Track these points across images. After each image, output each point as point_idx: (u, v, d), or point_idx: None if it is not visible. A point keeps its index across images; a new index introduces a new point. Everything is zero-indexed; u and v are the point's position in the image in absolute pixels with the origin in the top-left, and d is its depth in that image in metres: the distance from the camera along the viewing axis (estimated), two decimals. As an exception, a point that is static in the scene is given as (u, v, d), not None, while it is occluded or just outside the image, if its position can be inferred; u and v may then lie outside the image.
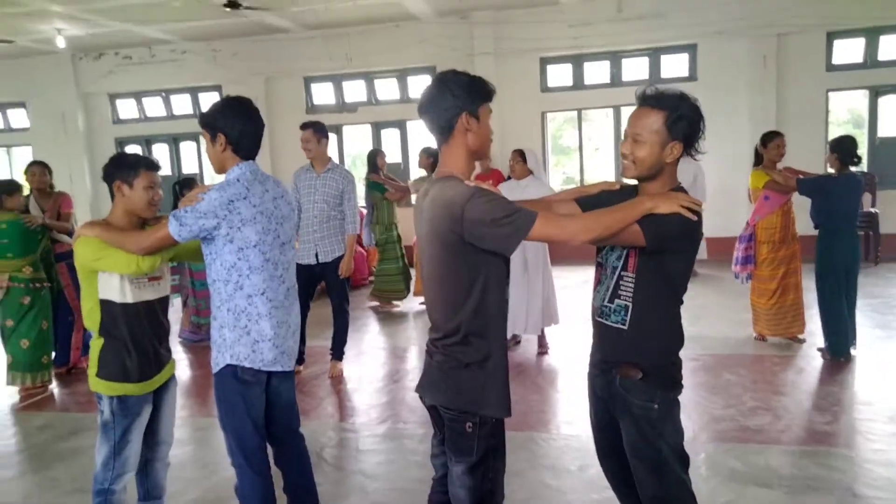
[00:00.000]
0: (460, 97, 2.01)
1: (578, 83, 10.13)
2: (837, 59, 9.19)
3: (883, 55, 9.06)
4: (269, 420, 2.63)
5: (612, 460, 2.37)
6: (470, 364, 2.04)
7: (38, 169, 5.49)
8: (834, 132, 9.37)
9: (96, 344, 2.63)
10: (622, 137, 2.16)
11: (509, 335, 5.75)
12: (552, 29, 9.62)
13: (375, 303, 7.71)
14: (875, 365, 4.94)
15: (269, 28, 10.24)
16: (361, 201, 7.38)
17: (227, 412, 2.50)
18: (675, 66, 9.76)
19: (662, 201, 1.98)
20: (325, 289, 5.35)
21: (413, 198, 7.52)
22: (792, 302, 5.39)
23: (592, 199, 2.25)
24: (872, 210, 8.53)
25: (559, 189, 10.63)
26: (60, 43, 10.07)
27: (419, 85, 10.64)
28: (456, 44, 9.94)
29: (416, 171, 8.33)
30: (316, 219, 5.00)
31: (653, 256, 2.06)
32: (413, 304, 7.63)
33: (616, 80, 9.96)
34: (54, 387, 5.31)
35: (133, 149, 12.14)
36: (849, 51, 9.19)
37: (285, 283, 2.55)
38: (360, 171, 8.46)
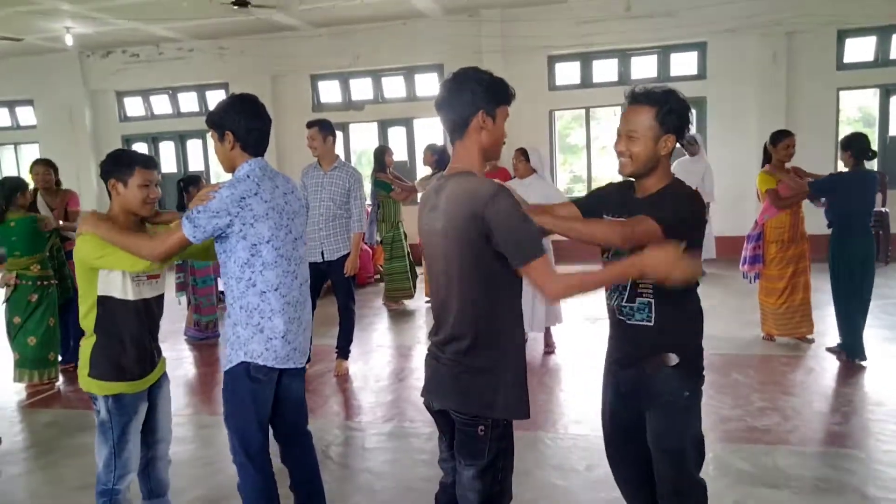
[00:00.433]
0: (479, 95, 2.01)
1: (586, 81, 10.09)
2: (849, 58, 9.12)
3: None
4: (277, 418, 2.61)
5: (624, 459, 2.38)
6: (483, 366, 2.01)
7: (42, 168, 5.50)
8: (844, 131, 9.31)
9: (88, 342, 2.60)
10: (617, 134, 2.21)
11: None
12: (560, 27, 9.58)
13: (392, 305, 7.62)
14: (885, 366, 4.89)
15: (276, 26, 10.25)
16: (368, 199, 7.36)
17: (234, 410, 2.49)
18: (684, 65, 9.71)
19: (666, 268, 1.90)
20: (331, 287, 5.34)
21: (419, 196, 7.50)
22: (801, 302, 5.35)
23: (591, 200, 2.34)
24: (883, 209, 8.46)
25: (564, 188, 10.62)
26: (69, 41, 10.11)
27: (426, 83, 10.62)
28: (464, 42, 9.92)
29: (423, 169, 8.31)
30: (322, 217, 4.98)
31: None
32: (419, 302, 7.61)
33: (624, 79, 9.91)
34: (61, 384, 5.33)
35: (140, 146, 12.19)
36: (860, 49, 9.12)
37: (298, 278, 2.53)
38: (366, 170, 8.44)
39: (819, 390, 4.53)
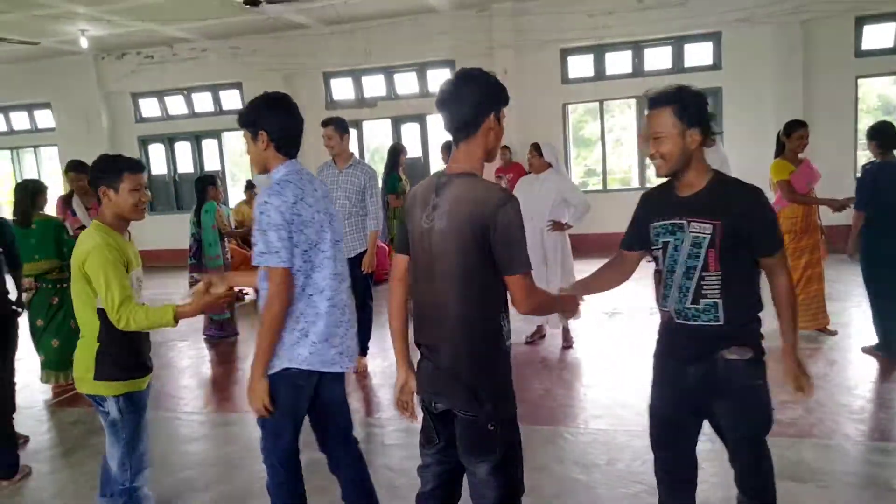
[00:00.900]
0: (492, 97, 2.04)
1: (600, 74, 10.02)
2: (867, 45, 8.98)
3: (914, 39, 8.84)
4: (321, 424, 2.58)
5: (678, 453, 2.42)
6: (485, 361, 2.03)
7: (73, 174, 5.52)
8: (864, 120, 9.17)
9: (90, 348, 2.60)
10: (644, 139, 2.30)
11: (534, 328, 5.75)
12: (572, 19, 9.52)
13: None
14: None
15: (288, 24, 10.28)
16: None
17: (271, 414, 2.42)
18: (698, 55, 9.62)
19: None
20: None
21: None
22: (815, 293, 5.28)
23: (633, 230, 2.45)
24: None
25: (578, 182, 10.57)
26: (83, 43, 10.21)
27: (439, 79, 10.61)
28: (475, 37, 9.90)
29: (437, 166, 8.31)
30: (338, 215, 5.00)
31: (737, 252, 2.14)
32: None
33: (638, 71, 9.84)
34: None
35: (156, 147, 12.31)
36: (879, 36, 8.97)
37: (344, 281, 2.49)
38: (379, 167, 8.45)
39: (842, 383, 4.47)
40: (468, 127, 2.04)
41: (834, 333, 5.38)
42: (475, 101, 2.02)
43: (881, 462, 3.38)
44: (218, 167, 12.02)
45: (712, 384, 2.23)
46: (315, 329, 2.37)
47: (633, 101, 10.21)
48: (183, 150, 12.30)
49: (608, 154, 10.58)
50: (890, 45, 8.94)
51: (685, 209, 2.20)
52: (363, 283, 5.16)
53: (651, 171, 10.51)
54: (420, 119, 10.78)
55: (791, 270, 2.24)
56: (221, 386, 5.40)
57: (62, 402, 5.08)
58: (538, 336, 5.78)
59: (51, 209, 5.40)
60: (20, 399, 4.24)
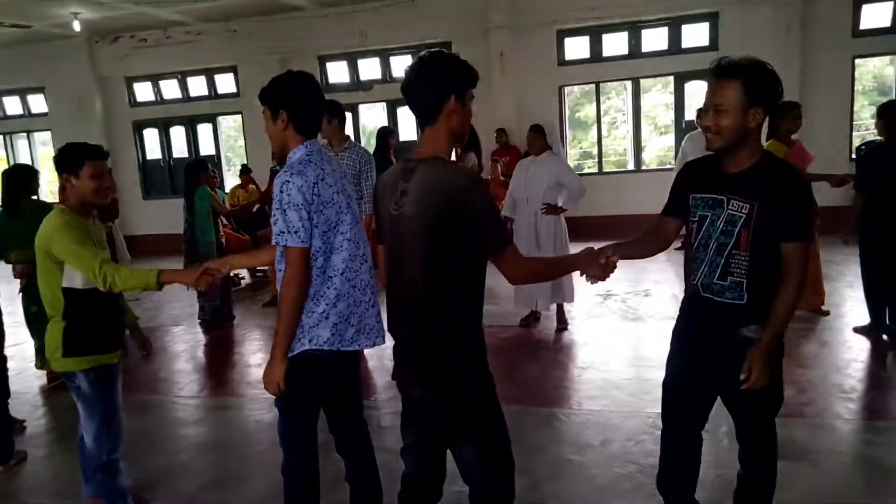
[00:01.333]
0: (451, 80, 2.00)
1: (596, 55, 9.95)
2: (865, 24, 8.92)
3: (912, 19, 8.78)
4: (334, 405, 2.56)
5: (687, 427, 2.46)
6: (458, 346, 2.02)
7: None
8: (860, 100, 9.14)
9: (57, 327, 2.67)
10: (702, 109, 2.29)
11: (526, 312, 5.76)
12: (569, 0, 9.43)
13: None
14: (902, 337, 4.85)
15: (283, 7, 10.19)
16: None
17: (290, 395, 2.39)
18: (695, 36, 9.55)
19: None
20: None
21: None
22: (810, 273, 5.27)
23: (673, 199, 2.41)
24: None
25: (574, 165, 10.54)
26: (76, 27, 10.11)
27: (434, 61, 10.53)
28: (471, 18, 9.81)
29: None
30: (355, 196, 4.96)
31: (769, 235, 2.12)
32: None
33: (635, 52, 9.78)
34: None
35: (150, 131, 12.24)
36: (876, 15, 8.91)
37: (367, 261, 2.45)
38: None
39: (834, 363, 4.50)
40: (429, 111, 2.03)
41: (826, 314, 5.40)
42: (434, 85, 2.00)
43: (871, 440, 3.42)
44: (213, 151, 11.97)
45: (729, 360, 2.23)
46: (335, 311, 2.34)
47: (629, 83, 10.16)
48: (178, 134, 12.23)
49: (604, 136, 10.54)
50: (887, 24, 8.89)
51: (728, 186, 2.17)
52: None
53: (647, 154, 10.50)
54: (416, 102, 10.68)
55: (805, 274, 2.16)
56: (217, 370, 5.42)
57: (57, 387, 5.08)
58: (532, 319, 5.79)
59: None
60: (15, 385, 4.25)
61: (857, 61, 9.11)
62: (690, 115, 9.33)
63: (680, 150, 8.33)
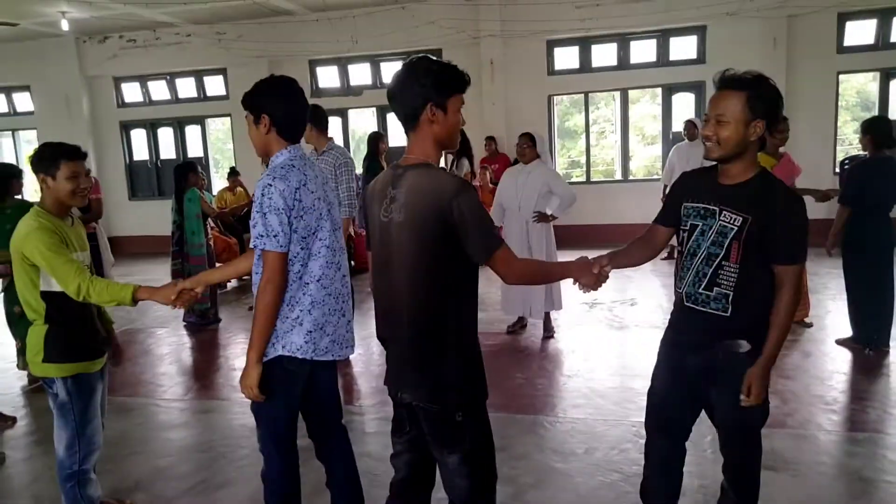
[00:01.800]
0: (427, 87, 1.98)
1: (585, 66, 10.03)
2: (849, 41, 9.07)
3: (896, 37, 8.94)
4: (310, 412, 2.56)
5: (671, 437, 2.45)
6: (447, 353, 2.02)
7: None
8: (843, 115, 9.28)
9: (38, 331, 2.62)
10: (703, 117, 2.26)
11: (514, 319, 5.78)
12: (559, 10, 9.51)
13: None
14: (884, 351, 4.90)
15: (274, 10, 10.17)
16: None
17: (265, 401, 2.38)
18: (683, 49, 9.67)
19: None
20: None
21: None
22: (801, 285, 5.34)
23: (668, 207, 2.41)
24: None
25: (562, 174, 10.60)
26: (64, 26, 10.04)
27: (425, 68, 10.56)
28: (462, 26, 9.85)
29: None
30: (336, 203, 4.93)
31: (759, 251, 2.12)
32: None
33: (623, 63, 9.87)
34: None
35: (138, 132, 12.15)
36: (860, 32, 9.07)
37: (341, 269, 2.46)
38: (363, 156, 8.41)
39: (816, 374, 4.55)
40: (408, 119, 2.04)
41: (810, 325, 5.46)
42: (410, 93, 2.00)
43: (853, 451, 3.45)
44: (201, 154, 11.90)
45: (712, 373, 2.25)
46: (310, 318, 2.34)
47: (617, 94, 10.25)
48: (165, 135, 12.16)
49: (592, 146, 10.61)
50: (871, 41, 9.04)
51: (722, 197, 2.18)
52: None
53: (634, 164, 10.59)
54: (406, 108, 10.70)
55: (799, 293, 2.18)
56: (202, 373, 5.38)
57: (39, 388, 5.02)
58: (519, 326, 5.81)
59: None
60: (-4, 385, 4.20)
61: (841, 77, 9.26)
62: (678, 126, 9.43)
63: (667, 161, 8.41)
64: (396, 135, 10.35)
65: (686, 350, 2.31)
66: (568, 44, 10.01)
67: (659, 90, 10.11)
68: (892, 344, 4.84)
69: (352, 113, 11.28)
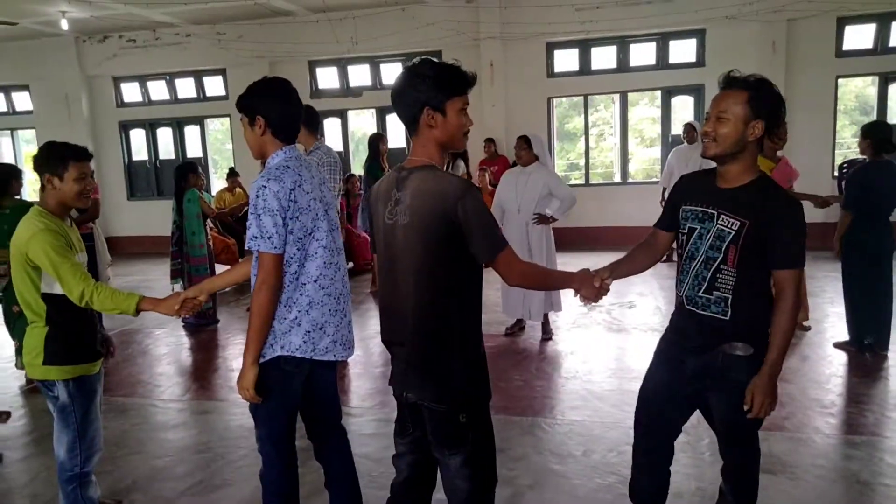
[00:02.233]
0: (423, 92, 1.99)
1: (585, 68, 10.05)
2: (848, 45, 9.09)
3: (895, 41, 8.95)
4: (309, 412, 2.56)
5: (660, 437, 2.45)
6: (452, 354, 2.03)
7: None
8: (841, 119, 9.30)
9: (38, 332, 2.58)
10: (704, 118, 2.29)
11: (512, 320, 5.78)
12: (559, 13, 9.53)
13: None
14: (884, 355, 4.91)
15: (274, 11, 10.18)
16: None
17: (262, 401, 2.38)
18: (683, 52, 9.68)
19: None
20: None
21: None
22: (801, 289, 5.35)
23: (667, 211, 2.43)
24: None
25: (561, 176, 10.63)
26: (64, 25, 10.04)
27: (424, 69, 10.56)
28: (462, 28, 9.87)
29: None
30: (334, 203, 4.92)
31: (757, 255, 2.13)
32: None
33: (623, 66, 9.89)
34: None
35: (137, 132, 12.15)
36: (859, 37, 9.09)
37: (340, 270, 2.45)
38: (362, 157, 8.43)
39: (815, 377, 4.56)
40: (409, 123, 2.05)
41: (808, 329, 5.47)
42: (409, 98, 2.01)
43: (850, 455, 3.46)
44: (200, 154, 11.90)
45: (709, 376, 2.25)
46: (308, 318, 2.34)
47: (616, 96, 10.26)
48: (164, 136, 12.16)
49: (591, 148, 10.63)
50: (869, 45, 9.06)
51: (719, 200, 2.18)
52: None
53: (633, 167, 10.60)
54: (405, 110, 10.70)
55: (799, 298, 2.17)
56: (200, 374, 5.37)
57: (36, 388, 5.01)
58: (518, 328, 5.81)
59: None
60: (-6, 384, 4.19)
61: (839, 81, 9.28)
62: (677, 129, 9.45)
63: (666, 164, 8.43)
64: (396, 136, 10.36)
65: (685, 352, 2.31)
66: (568, 46, 10.02)
67: (658, 93, 10.13)
68: (891, 348, 4.85)
69: (351, 114, 11.28)
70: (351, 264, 8.48)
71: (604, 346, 5.48)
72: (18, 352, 5.09)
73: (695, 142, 7.95)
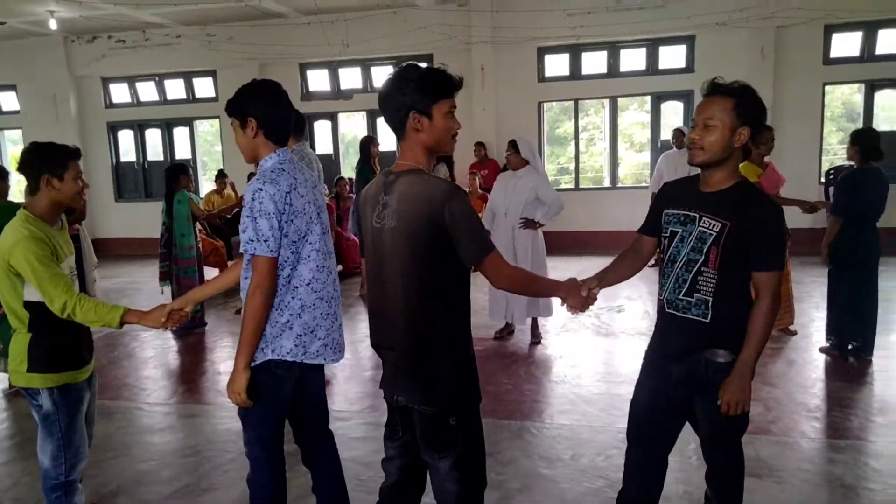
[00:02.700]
0: (409, 96, 2.00)
1: (575, 73, 10.09)
2: (835, 53, 9.18)
3: (881, 49, 9.06)
4: (298, 416, 2.54)
5: (651, 449, 2.45)
6: (441, 357, 2.03)
7: None
8: (828, 126, 9.38)
9: (21, 339, 2.54)
10: (687, 125, 2.27)
11: (501, 324, 5.78)
12: (551, 18, 9.57)
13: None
14: (866, 359, 4.95)
15: (265, 13, 10.15)
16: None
17: (253, 406, 2.36)
18: (672, 58, 9.74)
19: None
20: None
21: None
22: (782, 294, 5.39)
23: (651, 217, 2.44)
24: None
25: (551, 180, 10.66)
26: (52, 25, 9.96)
27: (415, 73, 10.57)
28: (454, 32, 9.88)
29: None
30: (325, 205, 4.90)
31: (738, 257, 2.15)
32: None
33: (613, 71, 9.94)
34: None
35: (126, 133, 12.07)
36: (846, 44, 9.19)
37: (331, 273, 2.45)
38: (353, 160, 8.42)
39: (800, 382, 4.59)
40: (396, 128, 2.06)
41: (794, 333, 5.51)
42: (393, 101, 2.02)
43: (835, 459, 3.48)
44: (189, 156, 11.83)
45: (693, 383, 2.26)
46: (299, 321, 2.33)
47: (606, 101, 10.31)
48: (153, 137, 12.09)
49: (581, 153, 10.67)
50: (856, 53, 9.16)
51: (701, 204, 2.21)
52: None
53: (623, 171, 10.65)
54: (396, 113, 10.70)
55: (778, 300, 2.20)
56: (187, 377, 5.33)
57: (17, 391, 4.96)
58: (507, 332, 5.81)
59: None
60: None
61: (826, 88, 9.37)
62: (666, 134, 9.50)
63: (656, 169, 8.47)
64: (387, 139, 10.36)
65: (670, 360, 2.32)
66: (558, 51, 10.06)
67: (648, 98, 10.19)
68: (875, 353, 4.89)
69: (342, 117, 11.27)
70: (340, 267, 8.46)
71: (592, 350, 5.49)
72: (3, 354, 5.03)
73: (684, 147, 7.99)
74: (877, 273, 4.86)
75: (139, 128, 11.98)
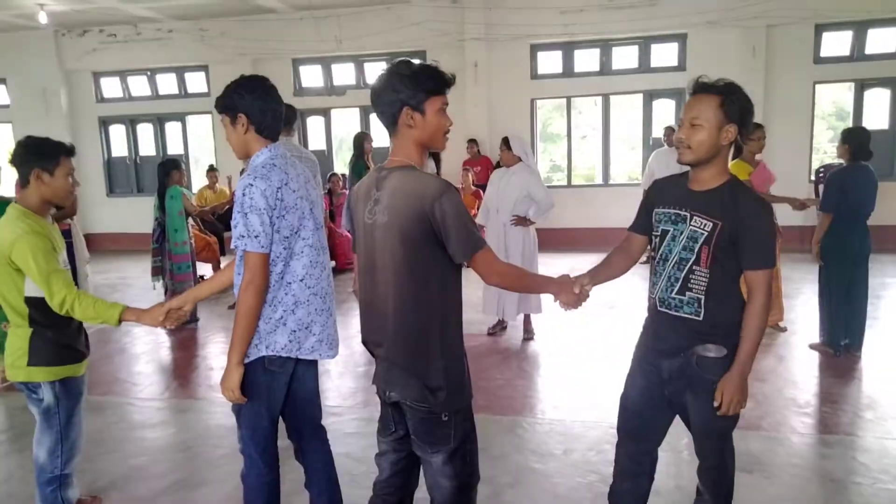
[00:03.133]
0: (402, 92, 2.00)
1: (568, 71, 10.11)
2: (825, 52, 9.25)
3: (870, 48, 9.13)
4: (291, 412, 2.54)
5: (642, 443, 2.47)
6: (433, 353, 2.03)
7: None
8: (819, 125, 9.45)
9: (22, 334, 2.54)
10: (678, 124, 2.30)
11: (494, 320, 5.80)
12: (543, 16, 9.59)
13: None
14: (855, 355, 5.00)
15: (257, 8, 10.12)
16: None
17: (247, 402, 2.36)
18: (664, 56, 9.78)
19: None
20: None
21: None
22: (773, 290, 5.42)
23: (641, 215, 2.45)
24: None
25: (544, 177, 10.68)
26: (42, 18, 9.88)
27: (408, 69, 10.56)
28: (447, 28, 9.89)
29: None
30: (319, 201, 4.90)
31: (729, 256, 2.16)
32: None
33: (605, 69, 9.97)
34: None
35: (117, 128, 12.00)
36: (837, 43, 9.26)
37: (326, 269, 2.44)
38: (347, 156, 8.41)
39: (790, 378, 4.63)
40: (389, 124, 2.06)
41: (784, 330, 5.55)
42: (388, 98, 2.02)
43: (824, 454, 3.52)
44: (181, 151, 11.79)
45: (685, 379, 2.28)
46: (293, 317, 2.32)
47: (599, 99, 10.33)
48: (145, 132, 12.02)
49: (573, 150, 10.69)
50: (846, 52, 9.23)
51: (692, 203, 2.22)
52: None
53: (615, 169, 10.68)
54: (389, 109, 10.70)
55: (771, 297, 2.22)
56: (179, 372, 5.32)
57: (11, 386, 4.94)
58: (500, 328, 5.83)
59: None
60: (-32, 382, 4.12)
61: (817, 87, 9.43)
62: (658, 132, 9.54)
63: (647, 166, 8.51)
64: (381, 135, 10.35)
65: (661, 355, 2.34)
66: (551, 48, 10.08)
67: (640, 96, 10.22)
68: (864, 349, 4.94)
69: (335, 113, 11.24)
70: (333, 264, 8.45)
71: (584, 345, 5.52)
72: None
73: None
74: (867, 269, 4.90)
75: (131, 123, 11.91)
